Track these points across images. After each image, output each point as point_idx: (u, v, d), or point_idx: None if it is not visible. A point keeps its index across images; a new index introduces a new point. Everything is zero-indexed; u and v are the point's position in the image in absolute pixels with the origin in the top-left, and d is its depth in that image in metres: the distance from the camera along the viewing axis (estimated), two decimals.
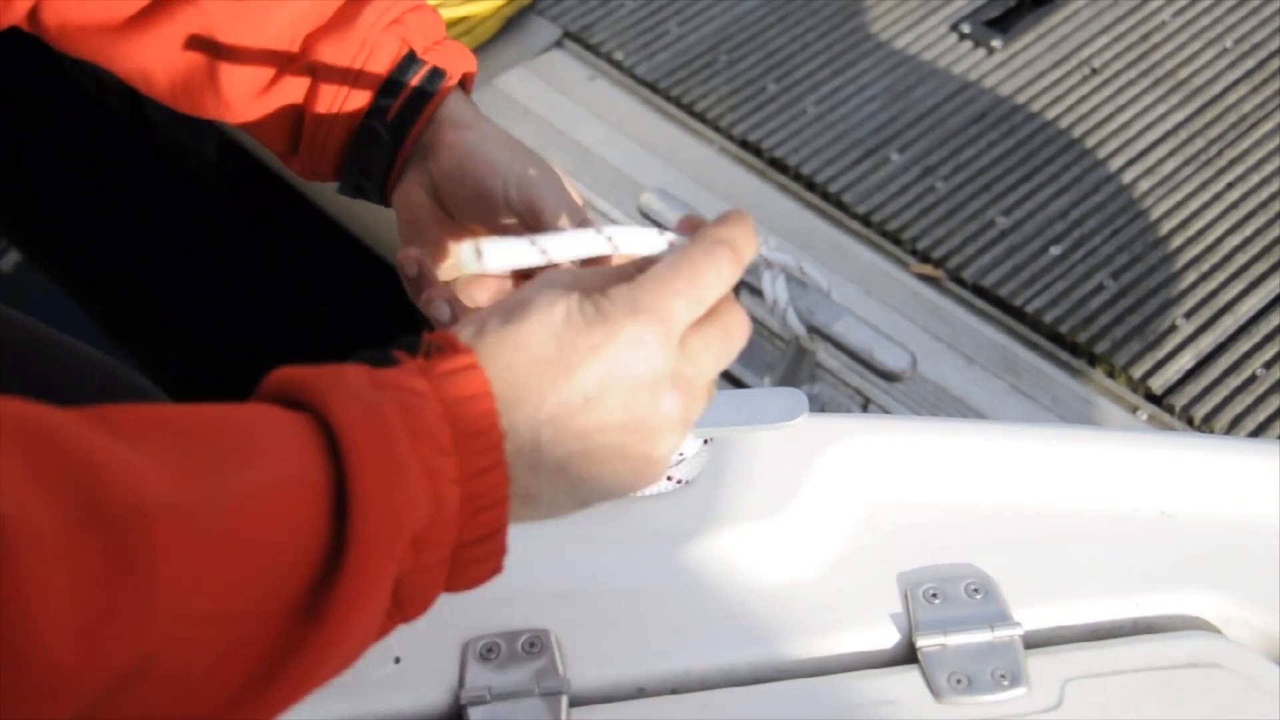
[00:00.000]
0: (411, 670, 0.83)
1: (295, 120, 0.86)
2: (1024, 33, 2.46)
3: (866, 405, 1.98)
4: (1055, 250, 2.13)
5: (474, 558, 0.59)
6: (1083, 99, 2.35)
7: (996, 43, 2.44)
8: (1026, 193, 2.22)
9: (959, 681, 0.82)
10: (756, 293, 1.82)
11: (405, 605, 0.58)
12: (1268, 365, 1.98)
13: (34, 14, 0.87)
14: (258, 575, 0.50)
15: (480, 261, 0.60)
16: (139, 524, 0.47)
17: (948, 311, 2.08)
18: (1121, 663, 0.83)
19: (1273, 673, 0.83)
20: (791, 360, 1.87)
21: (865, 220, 2.20)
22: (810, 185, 2.26)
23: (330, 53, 0.83)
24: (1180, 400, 1.95)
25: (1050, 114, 2.33)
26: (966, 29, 2.46)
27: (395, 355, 0.57)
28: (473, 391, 0.56)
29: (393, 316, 2.83)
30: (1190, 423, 1.94)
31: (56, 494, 0.46)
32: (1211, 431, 1.91)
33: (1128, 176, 2.23)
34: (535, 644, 0.84)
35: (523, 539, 0.90)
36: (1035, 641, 0.85)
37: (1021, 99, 2.36)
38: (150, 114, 3.10)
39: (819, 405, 1.93)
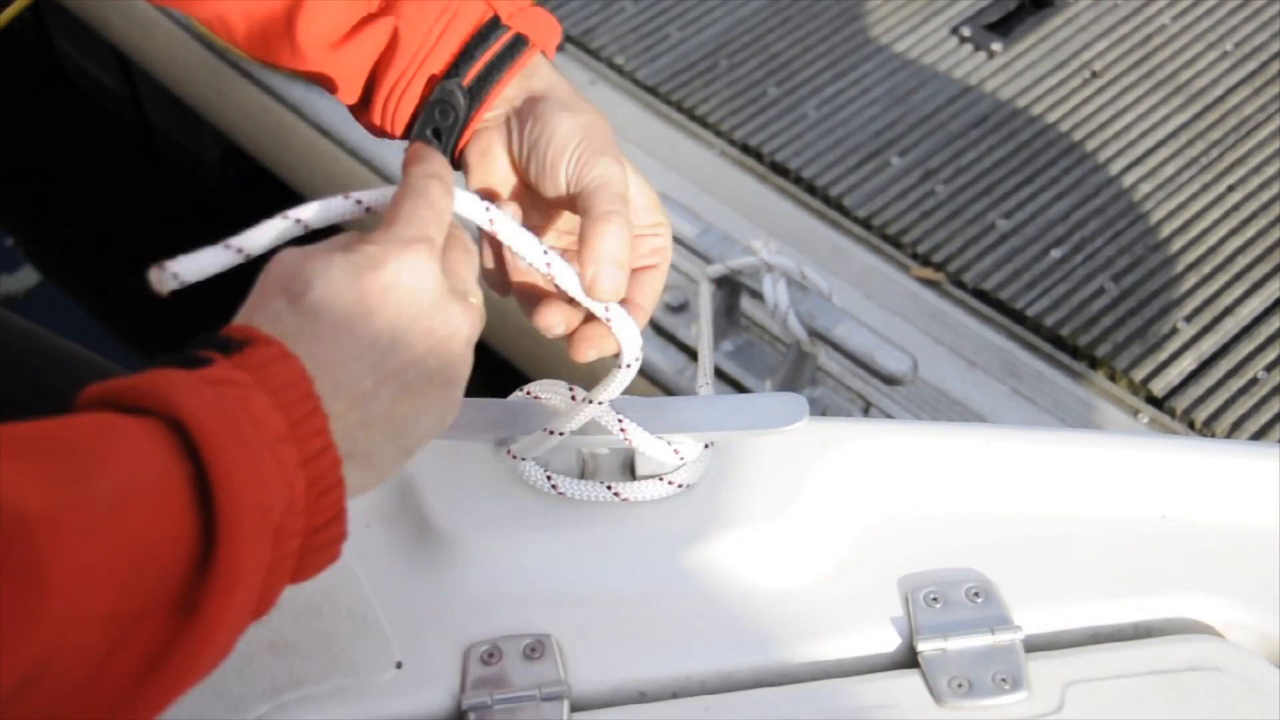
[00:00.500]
0: (413, 675, 0.83)
1: (369, 76, 0.85)
2: (1024, 36, 2.46)
3: (867, 409, 1.98)
4: (1056, 253, 2.13)
5: (321, 544, 0.62)
6: (1083, 102, 2.36)
7: (997, 46, 2.44)
8: (1027, 196, 2.22)
9: (960, 685, 0.82)
10: (757, 296, 1.82)
11: (260, 600, 0.59)
12: (1269, 368, 1.98)
13: None
14: (136, 572, 0.52)
15: (177, 280, 0.67)
16: (23, 532, 0.49)
17: (948, 315, 2.08)
18: (1122, 666, 0.83)
19: (1273, 676, 0.83)
20: (792, 364, 1.87)
21: (866, 224, 2.21)
22: (811, 189, 2.26)
23: (413, 12, 0.81)
24: (1182, 403, 1.95)
25: (1051, 117, 2.33)
26: (967, 32, 2.46)
27: (203, 355, 0.59)
28: (290, 377, 0.59)
29: None
30: (1192, 426, 1.94)
31: None
32: (1213, 434, 1.91)
33: (1128, 179, 2.23)
34: (536, 649, 0.84)
35: (524, 543, 0.91)
36: (1036, 645, 0.85)
37: (1022, 102, 2.36)
38: (152, 118, 3.10)
39: (820, 409, 1.93)
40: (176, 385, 0.56)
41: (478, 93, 0.82)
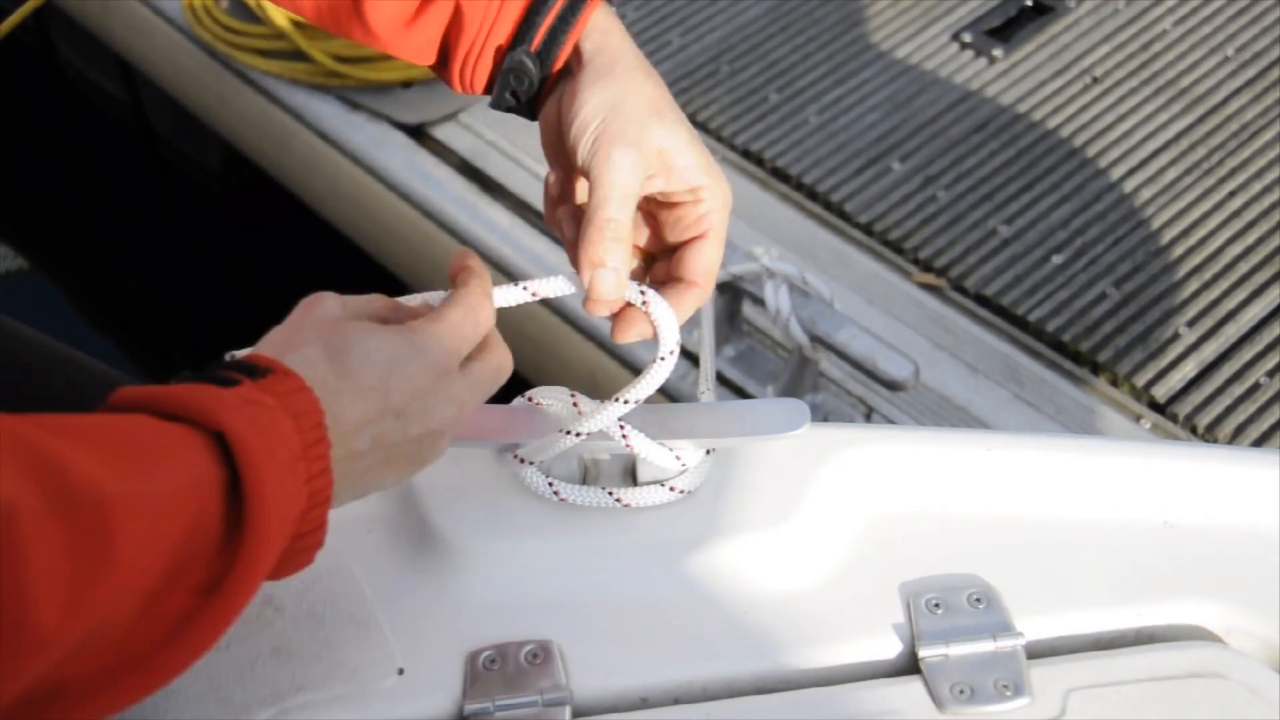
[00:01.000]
0: (415, 681, 0.83)
1: (443, 48, 0.86)
2: (1025, 42, 2.46)
3: (869, 415, 1.98)
4: (1057, 259, 2.13)
5: (302, 548, 0.71)
6: (1084, 108, 2.36)
7: (998, 52, 2.44)
8: (1028, 202, 2.22)
9: (961, 692, 0.82)
10: (759, 302, 1.82)
11: None
12: (1271, 374, 1.98)
13: None
14: (176, 556, 0.61)
15: None
16: (102, 511, 0.56)
17: (950, 321, 2.08)
18: (1124, 673, 0.83)
19: (1275, 683, 0.83)
20: (794, 370, 1.87)
21: (867, 230, 2.21)
22: (812, 195, 2.27)
23: None
24: (1183, 409, 1.95)
25: (1052, 123, 2.33)
26: (968, 38, 2.46)
27: (231, 376, 0.68)
28: (307, 408, 0.69)
29: None
30: (1194, 431, 1.94)
31: (38, 484, 0.54)
32: (1215, 440, 1.91)
33: (1129, 185, 2.23)
34: (539, 655, 0.84)
35: (526, 549, 0.91)
36: (1038, 651, 0.85)
37: (1023, 108, 2.36)
38: (154, 124, 3.11)
39: (821, 415, 1.93)
40: (219, 401, 0.65)
41: (545, 57, 0.83)
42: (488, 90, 0.87)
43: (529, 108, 0.86)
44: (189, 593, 0.63)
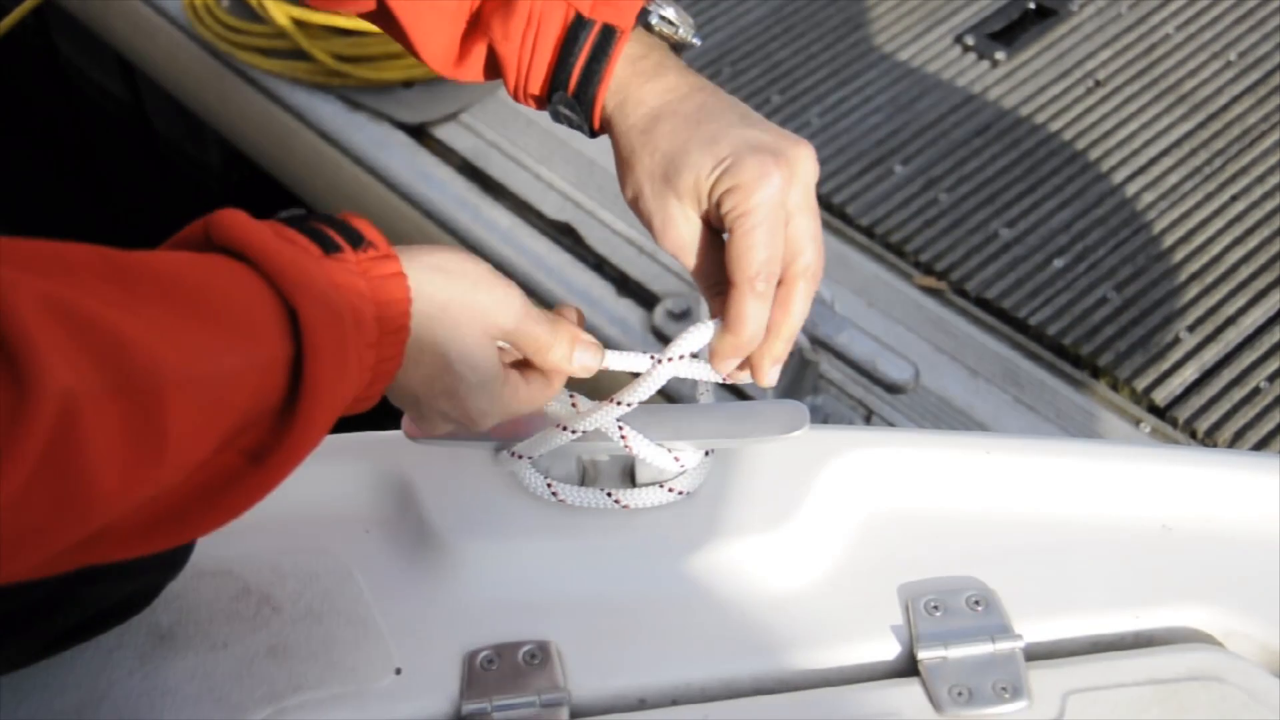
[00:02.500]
0: (413, 681, 0.83)
1: (495, 78, 0.87)
2: (1028, 45, 2.46)
3: (869, 417, 1.98)
4: (1059, 263, 2.13)
5: (356, 409, 0.72)
6: (1086, 112, 2.36)
7: (1000, 55, 2.44)
8: (1030, 205, 2.22)
9: (960, 694, 0.82)
10: None
11: None
12: (1271, 378, 1.98)
13: None
14: (231, 430, 0.63)
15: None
16: (159, 396, 0.59)
17: (951, 324, 2.08)
18: (1122, 676, 0.83)
19: (1274, 686, 0.83)
20: (794, 372, 1.87)
21: (869, 232, 2.21)
22: None
23: (500, 28, 0.83)
24: (1183, 413, 1.95)
25: (1054, 126, 2.33)
26: (970, 41, 2.46)
27: (336, 240, 0.70)
28: (397, 297, 0.71)
29: None
30: (1194, 436, 1.93)
31: (100, 367, 0.56)
32: (1215, 444, 1.91)
33: (1131, 189, 2.23)
34: (537, 655, 0.84)
35: (524, 550, 0.91)
36: (1036, 654, 0.85)
37: (1025, 111, 2.36)
38: (155, 123, 3.11)
39: (821, 417, 1.93)
40: (306, 277, 0.66)
41: (583, 97, 0.83)
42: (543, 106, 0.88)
43: (587, 130, 0.86)
44: (238, 454, 0.66)
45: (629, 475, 0.93)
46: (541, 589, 0.89)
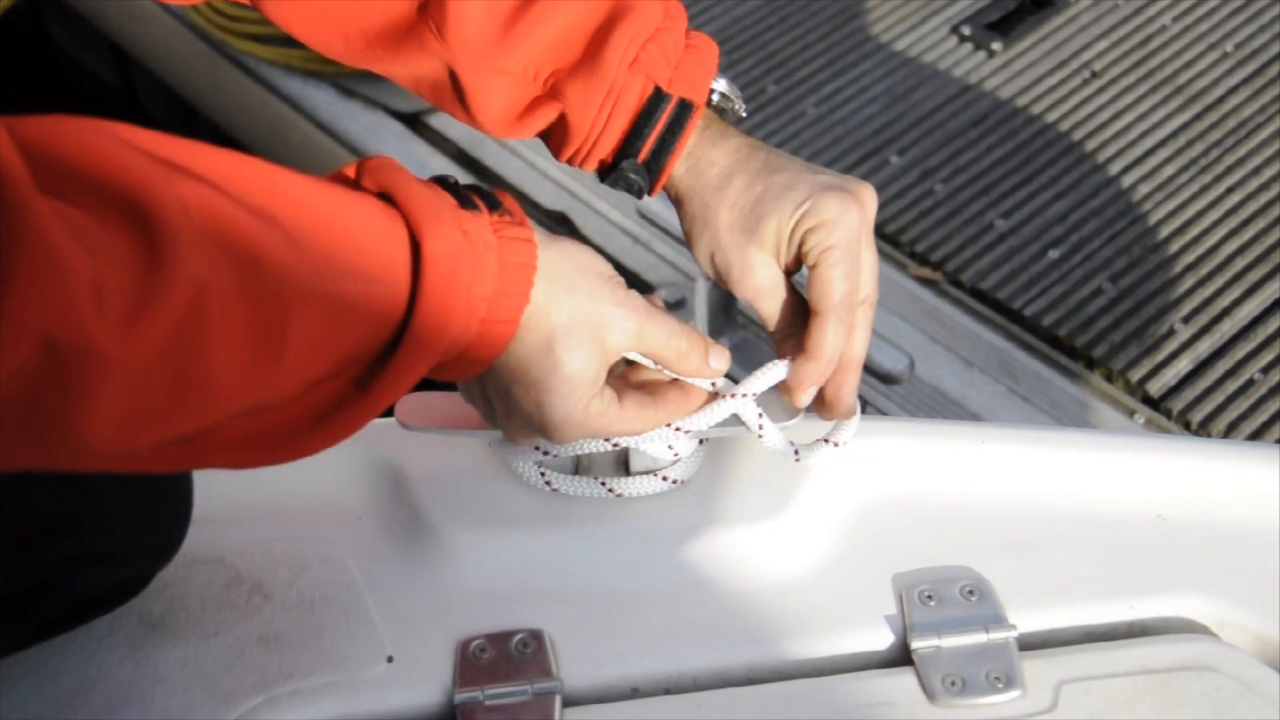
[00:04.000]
0: (405, 670, 0.83)
1: (550, 141, 0.88)
2: (1024, 36, 2.46)
3: (864, 407, 1.97)
4: (1054, 254, 2.13)
5: (459, 367, 0.74)
6: (1083, 103, 2.35)
7: (997, 45, 2.43)
8: (1026, 196, 2.22)
9: (953, 684, 0.82)
10: None
11: None
12: (1265, 370, 1.98)
13: (258, 3, 0.88)
14: (343, 354, 0.67)
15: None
16: (285, 303, 0.62)
17: (946, 314, 2.08)
18: (1116, 666, 0.83)
19: (1268, 677, 0.83)
20: None
21: None
22: None
23: (578, 99, 0.84)
24: (1178, 404, 1.95)
25: (1050, 117, 2.33)
26: (967, 31, 2.46)
27: (473, 199, 0.72)
28: (525, 261, 0.73)
29: None
30: (1188, 427, 1.94)
31: (235, 268, 0.60)
32: (1209, 435, 1.91)
33: (1127, 181, 2.23)
34: (529, 644, 0.84)
35: (517, 539, 0.90)
36: (1030, 644, 0.85)
37: (1021, 102, 2.36)
38: (149, 111, 3.10)
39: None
40: (437, 217, 0.69)
41: (653, 167, 0.87)
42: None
43: (641, 195, 0.89)
44: (349, 384, 0.68)
45: (623, 464, 0.93)
46: (534, 578, 0.89)
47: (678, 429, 0.85)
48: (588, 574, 0.89)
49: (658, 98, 0.85)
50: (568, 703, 0.82)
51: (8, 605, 0.78)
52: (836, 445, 0.89)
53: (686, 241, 0.89)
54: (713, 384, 0.85)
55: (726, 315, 1.96)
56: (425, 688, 0.83)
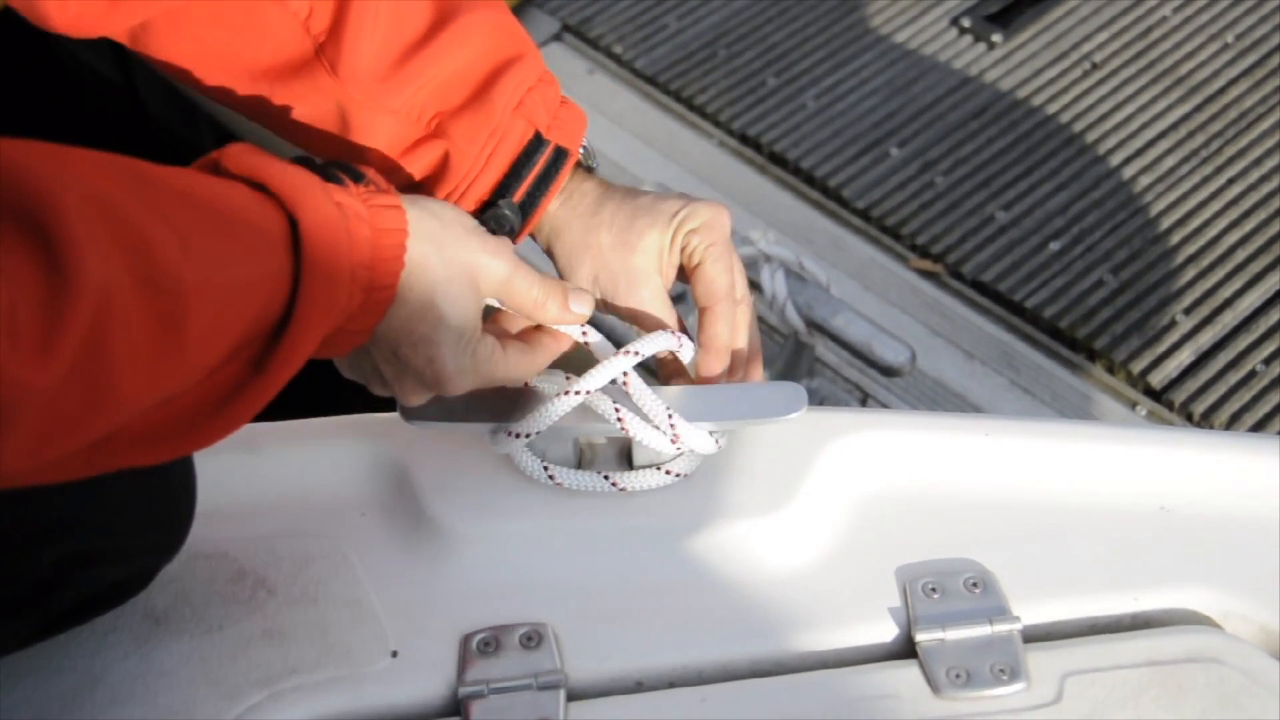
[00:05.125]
0: (409, 664, 0.83)
1: (423, 180, 0.90)
2: (1024, 28, 2.45)
3: (865, 400, 1.98)
4: (1055, 246, 2.13)
5: (342, 341, 0.76)
6: (1083, 94, 2.35)
7: (997, 37, 2.43)
8: (1026, 188, 2.21)
9: (958, 676, 0.82)
10: (756, 287, 1.82)
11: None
12: (1267, 361, 1.98)
13: (136, 34, 0.88)
14: (238, 337, 0.67)
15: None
16: (180, 297, 0.63)
17: (947, 307, 2.08)
18: (1121, 657, 0.83)
19: (1272, 668, 0.83)
20: (790, 355, 1.87)
21: (865, 215, 2.20)
22: (810, 180, 2.26)
23: (463, 137, 0.88)
24: (1180, 396, 1.95)
25: (1050, 109, 2.33)
26: (967, 23, 2.45)
27: (338, 174, 0.74)
28: (397, 227, 0.75)
29: None
30: (1190, 418, 1.94)
31: (130, 264, 0.60)
32: (1211, 427, 1.91)
33: (1128, 172, 2.23)
34: (533, 637, 0.84)
35: (521, 533, 0.90)
36: (1034, 636, 0.85)
37: (1021, 94, 2.35)
38: (149, 107, 3.09)
39: (817, 400, 1.92)
40: (307, 192, 0.70)
41: (527, 207, 0.91)
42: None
43: (509, 238, 0.92)
44: (246, 366, 0.70)
45: (626, 458, 0.93)
46: (538, 571, 0.89)
47: (577, 392, 0.87)
48: (591, 567, 0.89)
49: (537, 142, 0.90)
50: (572, 696, 0.82)
51: (12, 602, 0.78)
52: (676, 476, 0.91)
53: (565, 273, 0.92)
54: (583, 331, 0.87)
55: None
56: (429, 681, 0.83)
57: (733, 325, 0.93)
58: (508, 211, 0.90)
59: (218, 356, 0.67)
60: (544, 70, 0.91)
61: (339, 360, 0.83)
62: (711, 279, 0.91)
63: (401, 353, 0.79)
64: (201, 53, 0.87)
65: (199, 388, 0.68)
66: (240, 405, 0.70)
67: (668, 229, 0.90)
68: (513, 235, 0.91)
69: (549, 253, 0.94)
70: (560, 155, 0.90)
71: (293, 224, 0.70)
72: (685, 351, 0.92)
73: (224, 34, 0.86)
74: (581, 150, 0.93)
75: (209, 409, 0.69)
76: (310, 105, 0.88)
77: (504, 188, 0.89)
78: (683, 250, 0.91)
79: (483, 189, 0.89)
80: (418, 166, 0.89)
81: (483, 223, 0.88)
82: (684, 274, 0.94)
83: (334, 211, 0.71)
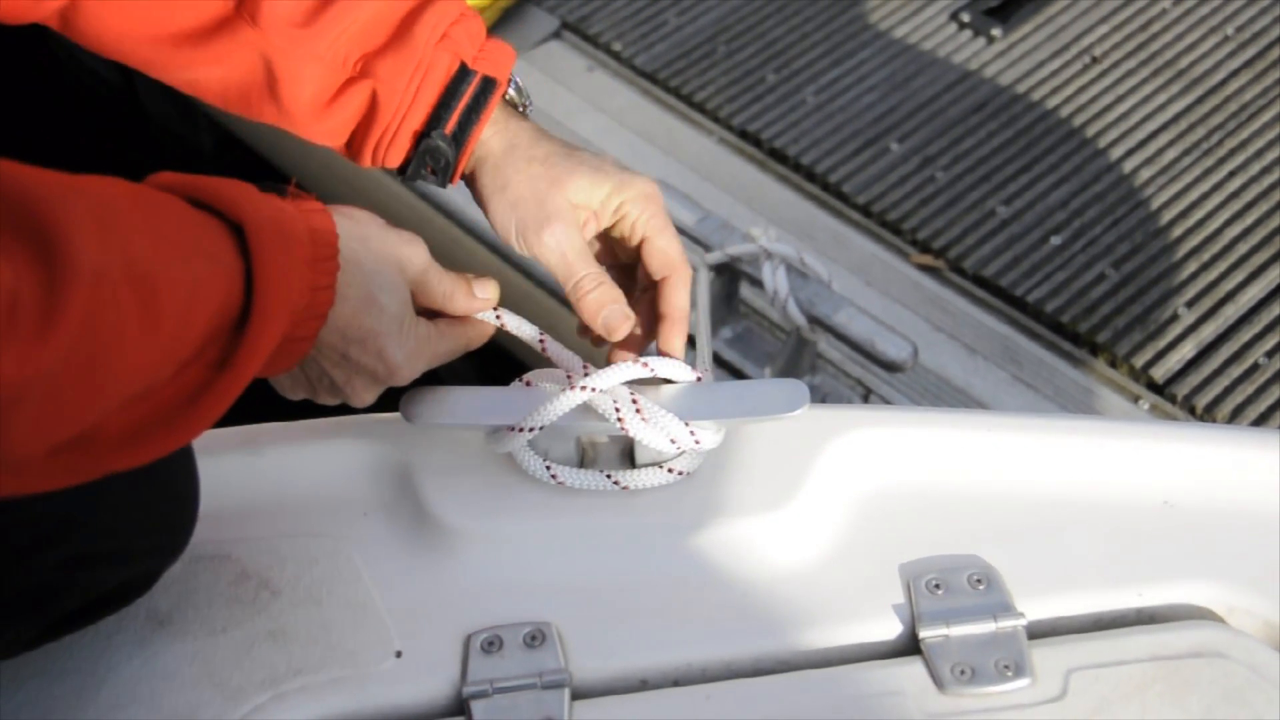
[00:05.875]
0: (413, 664, 0.83)
1: (353, 129, 0.92)
2: (1024, 22, 2.45)
3: (868, 396, 1.97)
4: (1056, 240, 2.13)
5: (289, 352, 0.78)
6: (1083, 88, 2.35)
7: (996, 32, 2.43)
8: (1027, 182, 2.21)
9: (962, 672, 0.82)
10: (757, 284, 1.81)
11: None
12: (1269, 354, 1.98)
13: (65, 15, 0.89)
14: (205, 329, 0.70)
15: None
16: (156, 287, 0.65)
17: (949, 302, 2.08)
18: (1126, 653, 0.83)
19: (1277, 662, 0.82)
20: (792, 351, 1.87)
21: (865, 210, 2.20)
22: (810, 175, 2.26)
23: (388, 73, 0.89)
24: (1182, 389, 1.94)
25: (1050, 103, 2.32)
26: (966, 18, 2.45)
27: (265, 187, 0.76)
28: (325, 227, 0.78)
29: None
30: (1192, 412, 1.93)
31: (119, 255, 0.63)
32: (1213, 420, 1.91)
33: (1128, 166, 2.23)
34: (537, 637, 0.84)
35: (524, 532, 0.90)
36: (1038, 632, 0.85)
37: (1021, 88, 2.35)
38: (147, 107, 3.09)
39: (820, 396, 1.92)
40: (246, 195, 0.73)
41: (460, 138, 0.91)
42: (400, 168, 0.93)
43: (443, 182, 0.94)
44: (205, 368, 0.71)
45: (628, 456, 0.93)
46: (541, 571, 0.89)
47: (582, 388, 0.87)
48: (594, 566, 0.89)
49: (463, 73, 0.90)
50: (577, 695, 0.82)
51: (16, 605, 0.78)
52: (679, 474, 0.91)
53: (485, 202, 0.92)
54: (496, 315, 0.90)
55: (729, 305, 1.96)
56: (433, 681, 0.83)
57: (689, 293, 0.94)
58: (440, 143, 0.90)
59: (190, 347, 0.69)
60: (466, 7, 0.92)
61: (280, 382, 0.85)
62: (665, 249, 0.92)
63: (351, 352, 0.82)
64: (127, 26, 0.88)
65: (172, 384, 0.70)
66: (211, 401, 0.72)
67: (604, 184, 0.91)
68: (449, 170, 0.91)
69: (473, 185, 0.93)
70: (488, 84, 0.91)
71: (236, 229, 0.72)
72: (686, 378, 0.92)
73: (146, 3, 0.87)
74: (514, 88, 0.94)
75: (183, 404, 0.71)
76: (236, 63, 0.88)
77: (435, 119, 0.90)
78: (619, 219, 0.92)
79: (414, 123, 0.90)
80: (348, 109, 0.90)
81: (419, 159, 0.91)
82: (625, 252, 0.94)
83: (274, 213, 0.74)
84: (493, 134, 0.92)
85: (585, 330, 0.93)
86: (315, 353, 0.81)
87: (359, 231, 0.82)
